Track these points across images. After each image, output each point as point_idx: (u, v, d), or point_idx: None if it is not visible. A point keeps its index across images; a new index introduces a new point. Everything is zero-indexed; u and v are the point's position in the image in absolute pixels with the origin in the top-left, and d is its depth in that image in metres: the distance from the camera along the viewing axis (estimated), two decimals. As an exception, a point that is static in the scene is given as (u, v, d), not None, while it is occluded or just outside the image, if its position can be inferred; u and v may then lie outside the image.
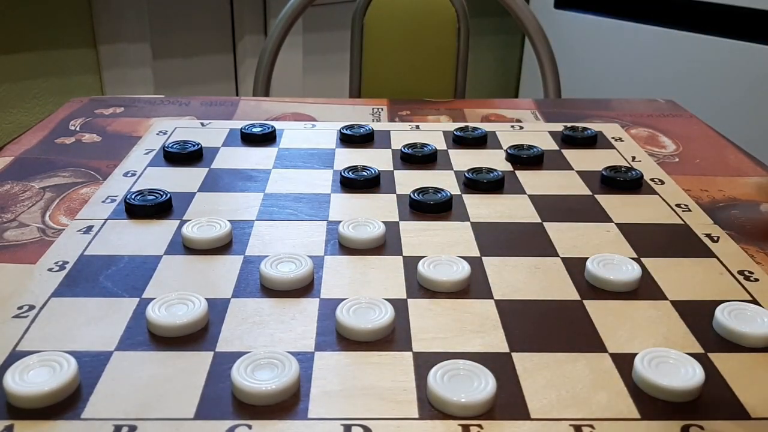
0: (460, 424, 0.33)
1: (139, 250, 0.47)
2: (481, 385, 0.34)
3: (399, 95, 1.15)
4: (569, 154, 0.67)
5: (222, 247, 0.49)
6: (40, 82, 1.80)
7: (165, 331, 0.39)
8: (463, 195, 0.58)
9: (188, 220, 0.51)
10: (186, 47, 1.99)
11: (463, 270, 0.45)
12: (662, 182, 0.61)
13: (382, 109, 0.81)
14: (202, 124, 0.73)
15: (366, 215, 0.52)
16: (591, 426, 0.33)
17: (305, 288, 0.44)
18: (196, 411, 0.33)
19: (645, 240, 0.51)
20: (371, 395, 0.35)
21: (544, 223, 0.53)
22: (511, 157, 0.65)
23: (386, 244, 0.49)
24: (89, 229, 0.51)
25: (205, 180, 0.60)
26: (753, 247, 0.51)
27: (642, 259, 0.48)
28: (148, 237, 0.50)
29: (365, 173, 0.59)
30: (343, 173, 0.59)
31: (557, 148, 0.68)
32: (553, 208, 0.56)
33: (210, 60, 2.04)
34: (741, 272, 0.47)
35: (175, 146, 0.64)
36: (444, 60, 1.21)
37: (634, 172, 0.60)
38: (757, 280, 0.46)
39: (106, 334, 0.39)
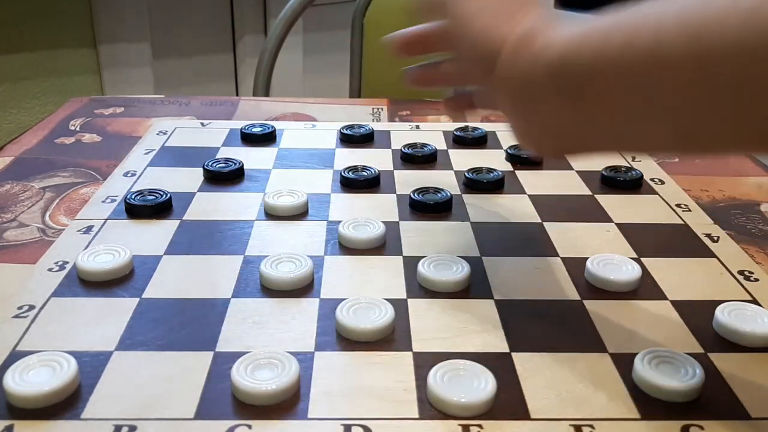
0: (460, 424, 0.33)
1: (139, 250, 0.47)
2: (481, 385, 0.34)
3: (399, 95, 1.15)
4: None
5: (224, 247, 0.49)
6: (40, 82, 1.80)
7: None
8: (463, 195, 0.58)
9: (187, 220, 0.51)
10: (186, 47, 1.99)
11: (463, 270, 0.45)
12: (662, 182, 0.61)
13: (382, 109, 0.81)
14: (202, 124, 0.73)
15: (366, 215, 0.52)
16: (591, 426, 0.33)
17: (305, 288, 0.44)
18: (196, 411, 0.33)
19: (645, 240, 0.51)
20: (371, 395, 0.35)
21: (544, 223, 0.53)
22: (511, 157, 0.65)
23: (386, 244, 0.49)
24: (89, 229, 0.51)
25: (204, 180, 0.60)
26: (753, 247, 0.51)
27: (642, 259, 0.48)
28: (148, 237, 0.50)
29: (365, 173, 0.59)
30: (343, 173, 0.59)
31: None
32: (553, 208, 0.56)
33: (210, 60, 2.04)
34: (741, 272, 0.47)
35: (216, 164, 0.60)
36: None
37: (634, 172, 0.60)
38: (757, 280, 0.46)
39: (106, 334, 0.39)
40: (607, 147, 0.42)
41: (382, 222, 0.51)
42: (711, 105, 0.29)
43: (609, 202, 0.57)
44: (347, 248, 0.49)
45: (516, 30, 0.37)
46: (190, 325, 0.40)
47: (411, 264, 0.46)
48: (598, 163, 0.64)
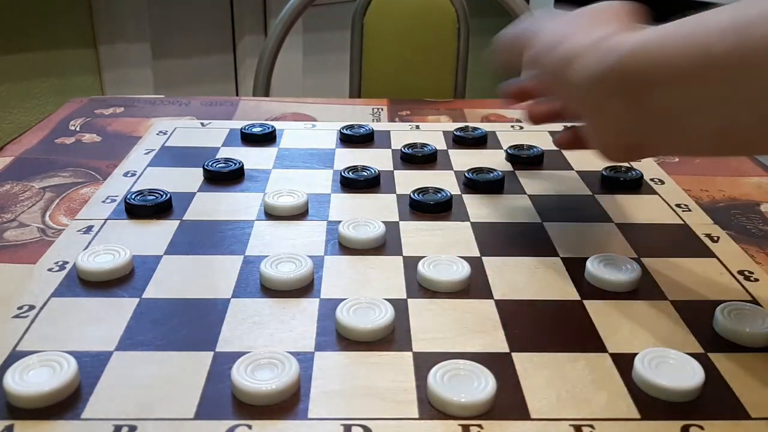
0: (460, 424, 0.33)
1: (139, 250, 0.47)
2: (481, 385, 0.34)
3: (399, 95, 1.15)
4: (569, 154, 0.67)
5: (224, 247, 0.48)
6: (40, 82, 1.80)
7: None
8: (463, 195, 0.58)
9: (187, 220, 0.51)
10: (186, 47, 1.99)
11: (463, 270, 0.45)
12: (662, 182, 0.61)
13: (382, 109, 0.81)
14: (202, 124, 0.73)
15: (366, 215, 0.52)
16: (591, 426, 0.33)
17: (305, 288, 0.44)
18: (196, 411, 0.33)
19: (645, 240, 0.51)
20: (371, 395, 0.35)
21: (544, 223, 0.53)
22: (511, 157, 0.65)
23: (386, 244, 0.49)
24: (89, 229, 0.51)
25: (204, 180, 0.60)
26: (753, 247, 0.51)
27: (642, 259, 0.48)
28: (148, 237, 0.50)
29: (365, 173, 0.59)
30: (343, 173, 0.59)
31: (557, 148, 0.68)
32: (553, 208, 0.56)
33: (210, 60, 2.05)
34: (741, 272, 0.47)
35: (216, 164, 0.61)
36: (444, 60, 1.21)
37: (634, 172, 0.60)
38: (757, 280, 0.46)
39: (106, 334, 0.39)
40: (669, 150, 0.46)
41: (382, 222, 0.51)
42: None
43: (609, 202, 0.57)
44: (347, 248, 0.49)
45: (592, 37, 0.40)
46: (190, 325, 0.40)
47: (411, 264, 0.46)
48: (598, 163, 0.64)
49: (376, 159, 0.64)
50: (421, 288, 0.44)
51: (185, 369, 0.36)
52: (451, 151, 0.67)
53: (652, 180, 0.61)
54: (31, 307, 0.41)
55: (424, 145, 0.66)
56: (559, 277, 0.46)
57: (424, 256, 0.46)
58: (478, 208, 0.55)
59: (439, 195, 0.55)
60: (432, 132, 0.72)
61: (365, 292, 0.43)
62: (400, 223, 0.53)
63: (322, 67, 2.13)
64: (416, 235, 0.51)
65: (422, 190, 0.56)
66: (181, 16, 1.95)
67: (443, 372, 0.35)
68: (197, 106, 0.81)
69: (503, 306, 0.42)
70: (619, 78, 0.38)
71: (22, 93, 1.78)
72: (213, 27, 2.02)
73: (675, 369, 0.36)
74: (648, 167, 0.64)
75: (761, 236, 0.53)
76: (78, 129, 0.73)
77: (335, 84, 2.05)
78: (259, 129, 0.69)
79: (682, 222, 0.54)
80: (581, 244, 0.50)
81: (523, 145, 0.66)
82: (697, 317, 0.42)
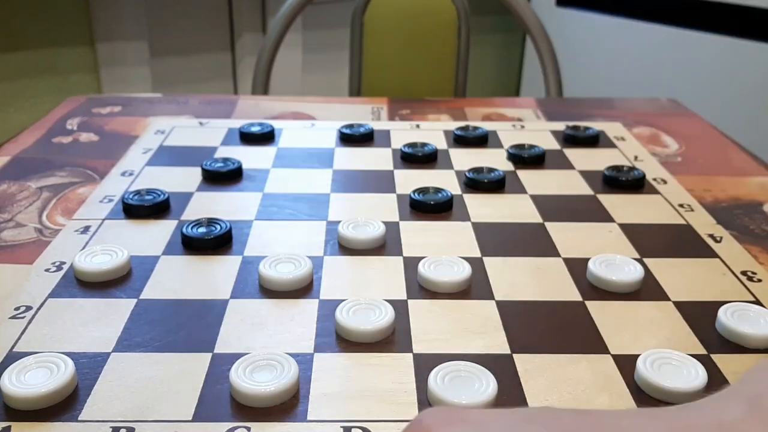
0: (461, 427, 0.33)
1: (136, 251, 0.47)
2: (482, 387, 0.34)
3: (399, 94, 1.14)
4: (571, 153, 0.66)
5: (221, 247, 0.48)
6: (38, 81, 1.79)
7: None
8: (464, 195, 0.57)
9: (185, 220, 0.50)
10: (184, 45, 1.99)
11: (463, 270, 0.44)
12: (665, 182, 0.61)
13: (382, 108, 0.81)
14: (201, 123, 0.73)
15: (366, 215, 0.52)
16: (593, 428, 0.33)
17: (304, 289, 0.43)
18: (194, 413, 0.33)
19: (647, 240, 0.50)
20: (371, 397, 0.34)
21: (546, 223, 0.53)
22: (512, 157, 0.64)
23: (386, 245, 0.49)
24: (86, 229, 0.50)
25: (203, 179, 0.59)
26: (756, 248, 0.50)
27: (644, 260, 0.48)
28: (146, 237, 0.49)
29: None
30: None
31: (559, 147, 0.68)
32: (555, 208, 0.55)
33: (208, 58, 2.04)
34: (744, 273, 0.46)
35: (214, 164, 0.60)
36: (444, 58, 1.21)
37: (636, 172, 0.60)
38: (760, 280, 0.45)
39: (104, 335, 0.39)
40: None
41: (382, 222, 0.50)
42: None
43: (611, 201, 0.56)
44: (347, 248, 0.48)
45: None
46: (188, 326, 0.40)
47: (411, 264, 0.46)
48: (600, 162, 0.64)
49: (376, 158, 0.64)
50: (422, 289, 0.44)
51: (183, 370, 0.36)
52: (451, 151, 0.67)
53: (654, 180, 0.61)
54: (28, 308, 0.41)
55: (424, 144, 0.66)
56: (561, 278, 0.45)
57: (424, 257, 0.46)
58: (479, 208, 0.55)
59: (440, 195, 0.55)
60: (432, 131, 0.72)
61: (365, 292, 0.43)
62: (400, 223, 0.52)
63: (322, 65, 2.13)
64: (416, 235, 0.51)
65: (423, 190, 0.56)
66: (179, 14, 1.95)
67: (444, 373, 0.35)
68: (195, 105, 0.80)
69: (504, 307, 0.42)
70: None
71: (19, 92, 1.77)
72: (211, 25, 2.01)
73: (677, 370, 0.36)
74: (650, 167, 0.63)
75: (764, 236, 0.52)
76: (75, 128, 0.72)
77: (335, 82, 2.04)
78: (257, 128, 0.69)
79: (684, 222, 0.53)
80: (583, 245, 0.50)
81: (524, 144, 0.66)
82: (700, 318, 0.41)
